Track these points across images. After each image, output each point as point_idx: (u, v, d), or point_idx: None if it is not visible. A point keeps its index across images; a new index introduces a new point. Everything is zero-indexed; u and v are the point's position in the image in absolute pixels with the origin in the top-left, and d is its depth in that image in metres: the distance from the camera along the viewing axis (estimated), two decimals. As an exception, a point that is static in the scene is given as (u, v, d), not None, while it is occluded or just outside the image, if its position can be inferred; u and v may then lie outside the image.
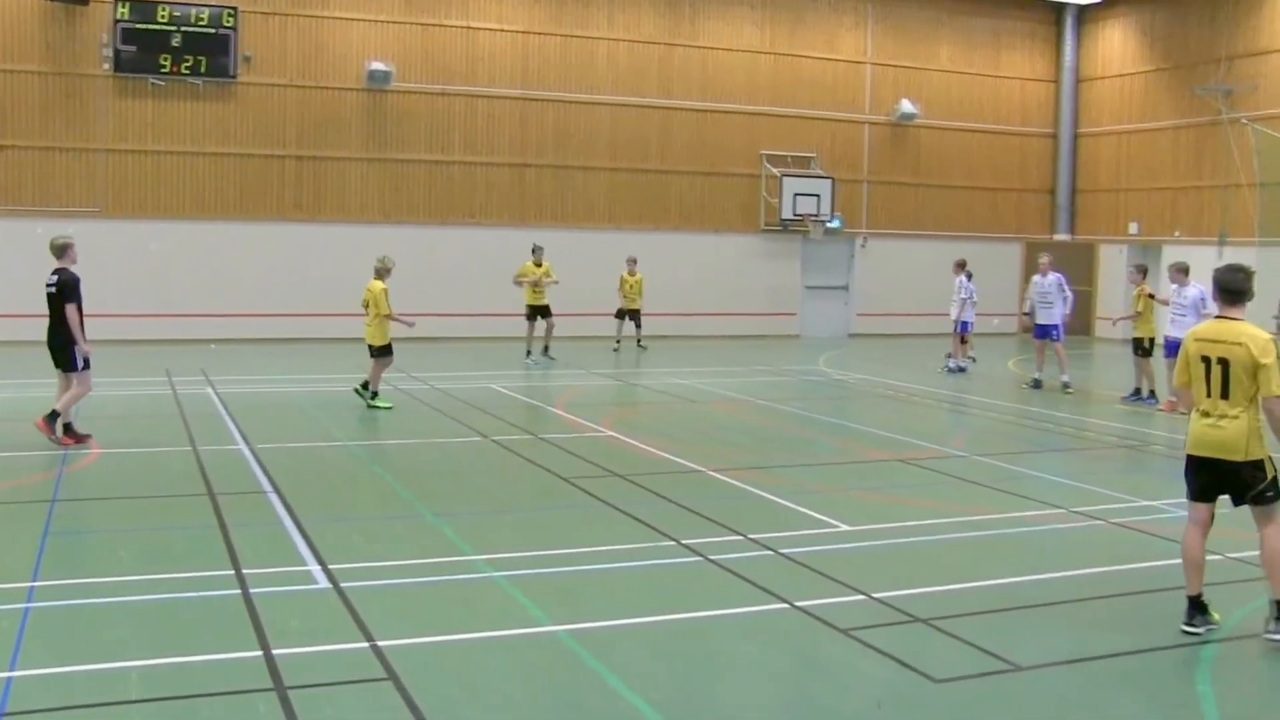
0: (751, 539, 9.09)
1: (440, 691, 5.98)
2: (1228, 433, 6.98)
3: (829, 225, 28.69)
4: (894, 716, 5.89)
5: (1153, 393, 17.59)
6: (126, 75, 23.91)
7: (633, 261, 24.29)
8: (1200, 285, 16.77)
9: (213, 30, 24.26)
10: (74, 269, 12.48)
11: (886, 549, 9.08)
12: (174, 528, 9.41)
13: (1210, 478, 7.16)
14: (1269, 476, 6.98)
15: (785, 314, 29.33)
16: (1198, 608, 7.22)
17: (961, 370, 21.61)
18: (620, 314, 24.32)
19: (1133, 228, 30.26)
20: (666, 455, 12.71)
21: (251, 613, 7.08)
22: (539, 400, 16.89)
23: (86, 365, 12.46)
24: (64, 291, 12.24)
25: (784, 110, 29.13)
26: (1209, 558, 7.50)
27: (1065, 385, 18.72)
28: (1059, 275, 19.51)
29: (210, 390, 16.95)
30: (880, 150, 30.36)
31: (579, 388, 18.88)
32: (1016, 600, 7.78)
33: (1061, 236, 31.90)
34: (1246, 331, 6.97)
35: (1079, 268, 30.78)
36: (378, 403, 15.67)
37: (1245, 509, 7.23)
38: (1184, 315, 16.46)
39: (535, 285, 21.88)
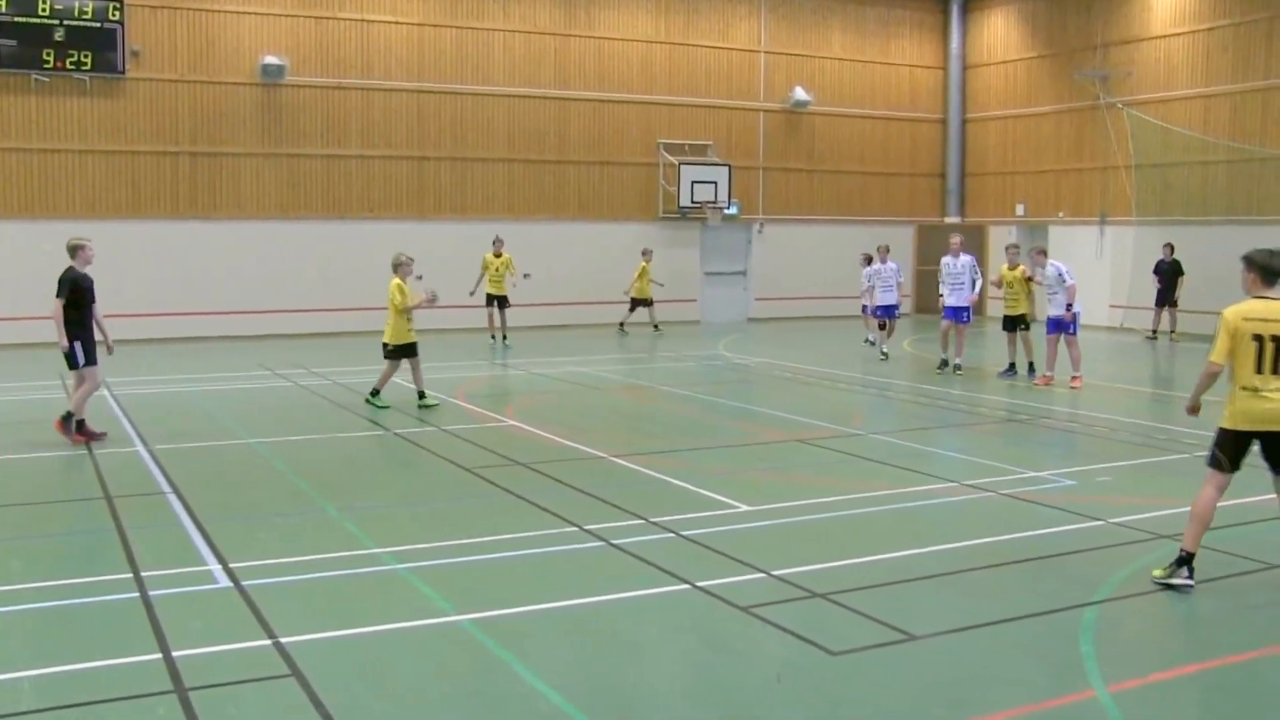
0: (653, 522, 9.22)
1: (345, 686, 5.99)
2: (1279, 404, 7.48)
3: (726, 212, 29.01)
4: (793, 689, 6.04)
5: (1031, 366, 18.17)
6: (8, 71, 23.23)
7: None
8: (1056, 263, 17.55)
9: (98, 24, 23.64)
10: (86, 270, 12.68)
11: (785, 527, 9.27)
12: (69, 533, 9.27)
13: (1248, 446, 7.66)
14: None
15: (685, 300, 29.57)
16: (1187, 563, 7.70)
17: (872, 343, 22.72)
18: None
19: (1019, 209, 31.08)
20: (568, 443, 12.81)
21: (150, 616, 7.00)
22: (441, 392, 16.81)
23: (90, 361, 12.55)
24: (58, 289, 12.44)
25: (680, 99, 29.33)
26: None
27: (956, 367, 19.21)
28: (971, 257, 19.82)
29: (106, 392, 16.61)
30: (775, 137, 30.73)
31: (480, 378, 18.88)
32: (911, 572, 8.02)
33: (952, 219, 32.63)
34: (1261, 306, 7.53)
35: (969, 248, 31.47)
36: (376, 400, 15.24)
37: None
38: (1056, 293, 17.31)
39: (496, 275, 23.69)
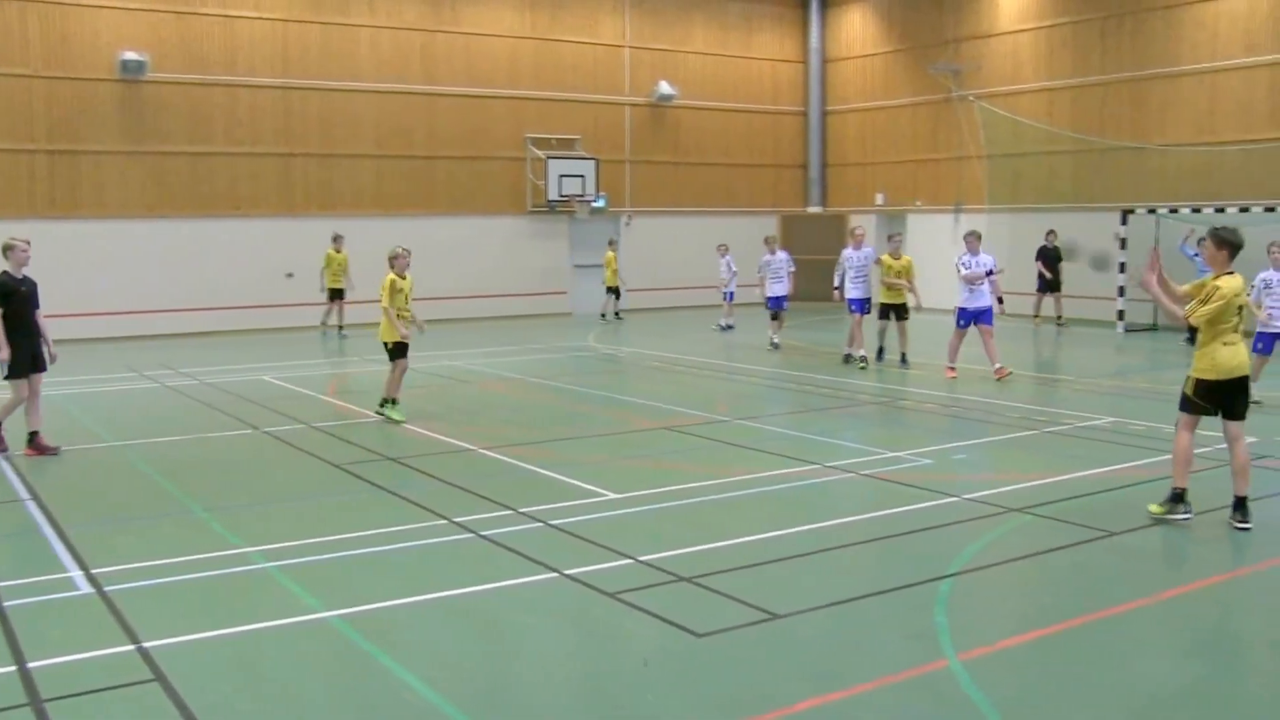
0: (522, 513, 9.32)
1: (212, 688, 5.95)
2: (1244, 353, 8.88)
3: (594, 205, 29.17)
4: (659, 672, 6.19)
5: (904, 356, 18.53)
6: None
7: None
8: (988, 255, 17.69)
9: (-61, 18, 22.77)
10: (21, 272, 12.12)
11: (652, 513, 9.45)
12: (-81, 543, 9.00)
13: (1223, 394, 8.81)
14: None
15: (555, 293, 29.66)
16: (1182, 498, 8.91)
17: (723, 329, 23.35)
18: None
19: (879, 198, 31.89)
20: (438, 436, 12.83)
21: (5, 627, 6.83)
22: (310, 389, 16.67)
23: (13, 373, 11.88)
24: None
25: (547, 94, 29.37)
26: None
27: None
28: (872, 249, 20.63)
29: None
30: (641, 131, 30.99)
31: (350, 374, 18.72)
32: (775, 553, 8.24)
33: (814, 209, 33.34)
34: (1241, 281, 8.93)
35: (832, 238, 32.24)
36: (388, 411, 14.01)
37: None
38: (981, 285, 17.01)
39: (337, 271, 24.39)
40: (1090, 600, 7.34)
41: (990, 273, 17.12)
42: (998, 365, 16.75)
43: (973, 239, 17.35)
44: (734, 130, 32.43)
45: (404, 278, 14.05)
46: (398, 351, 14.06)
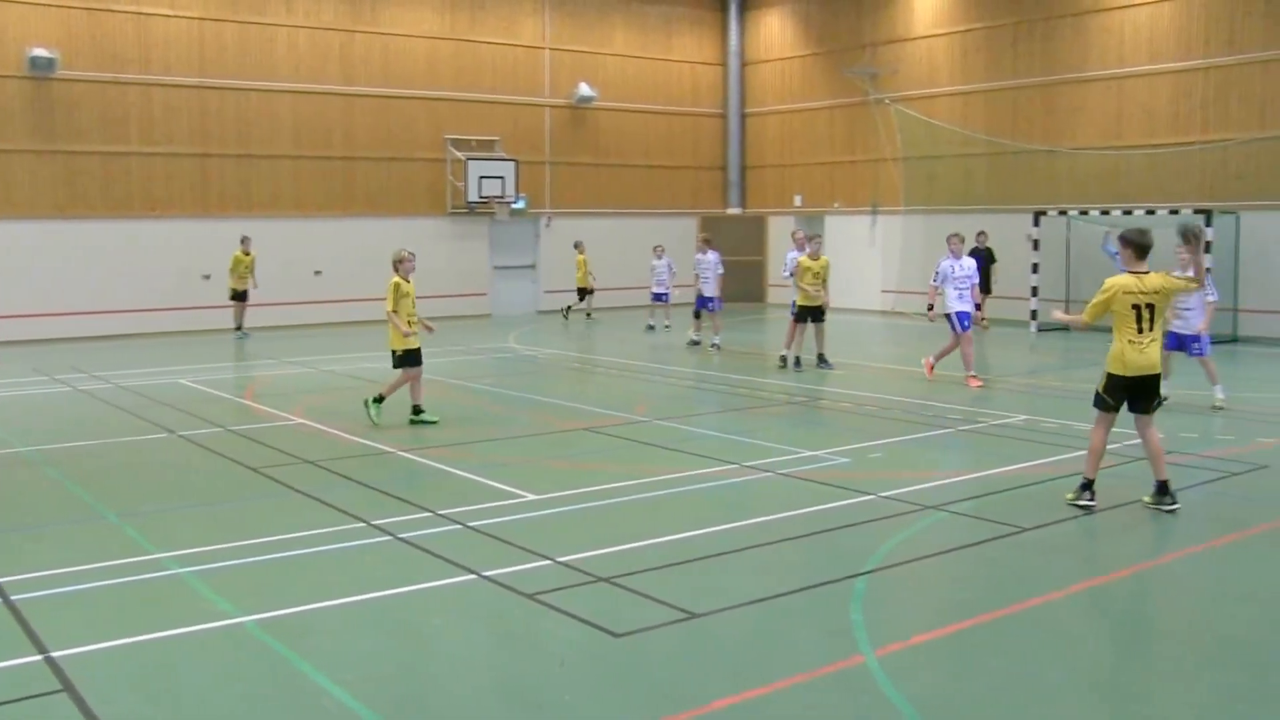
0: (440, 515, 9.28)
1: (122, 697, 5.85)
2: (1155, 354, 9.16)
3: (514, 206, 29.10)
4: (576, 673, 6.21)
5: (822, 357, 18.63)
6: None
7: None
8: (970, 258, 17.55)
9: None
10: None
11: (571, 514, 9.46)
12: None
13: (1131, 392, 9.16)
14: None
15: (476, 294, 29.53)
16: (1089, 487, 9.35)
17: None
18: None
19: (797, 200, 32.21)
20: (357, 439, 12.73)
21: (-94, 638, 6.66)
22: (228, 393, 16.44)
23: None
24: None
25: (466, 95, 29.23)
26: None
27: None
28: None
29: None
30: (561, 132, 30.96)
31: (269, 377, 18.48)
32: (693, 553, 8.29)
33: (734, 210, 33.57)
34: (1161, 282, 9.23)
35: (750, 239, 32.56)
36: (371, 410, 13.57)
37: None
38: (965, 287, 16.67)
39: (244, 273, 24.38)
40: (1003, 595, 7.49)
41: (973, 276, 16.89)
42: (972, 372, 16.56)
43: (955, 240, 17.08)
44: (654, 132, 32.54)
45: (408, 281, 13.47)
46: (406, 359, 13.51)
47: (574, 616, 6.96)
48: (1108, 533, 8.93)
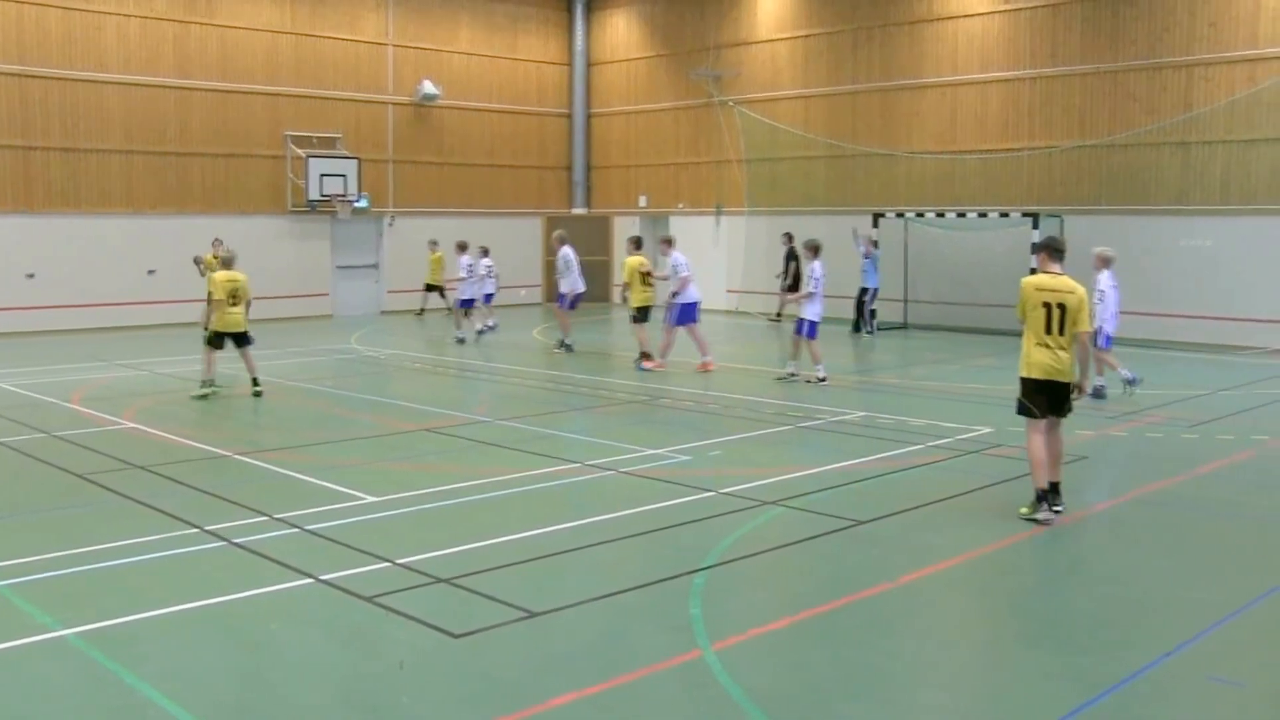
0: (277, 519, 9.09)
1: (-67, 713, 5.61)
2: (1065, 361, 9.08)
3: (356, 205, 28.60)
4: (416, 674, 6.16)
5: (647, 355, 18.64)
6: None
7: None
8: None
9: None
10: None
11: (411, 515, 9.38)
12: None
13: (1046, 395, 9.16)
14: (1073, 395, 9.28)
15: (317, 295, 28.94)
16: (1045, 497, 9.14)
17: (462, 341, 22.99)
18: None
19: (642, 200, 32.44)
20: (191, 443, 12.36)
21: None
22: (54, 396, 15.78)
23: None
24: None
25: (307, 91, 28.61)
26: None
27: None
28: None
29: None
30: (404, 130, 30.57)
31: (98, 380, 17.80)
32: (534, 552, 8.29)
33: (579, 210, 33.62)
34: (1071, 283, 9.16)
35: (596, 240, 32.66)
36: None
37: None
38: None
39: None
40: (838, 587, 7.68)
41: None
42: (821, 367, 16.75)
43: (804, 248, 17.27)
44: (499, 131, 32.37)
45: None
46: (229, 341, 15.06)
47: (413, 618, 6.89)
48: (940, 524, 9.22)
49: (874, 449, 12.06)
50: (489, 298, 24.28)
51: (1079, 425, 13.15)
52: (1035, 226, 21.97)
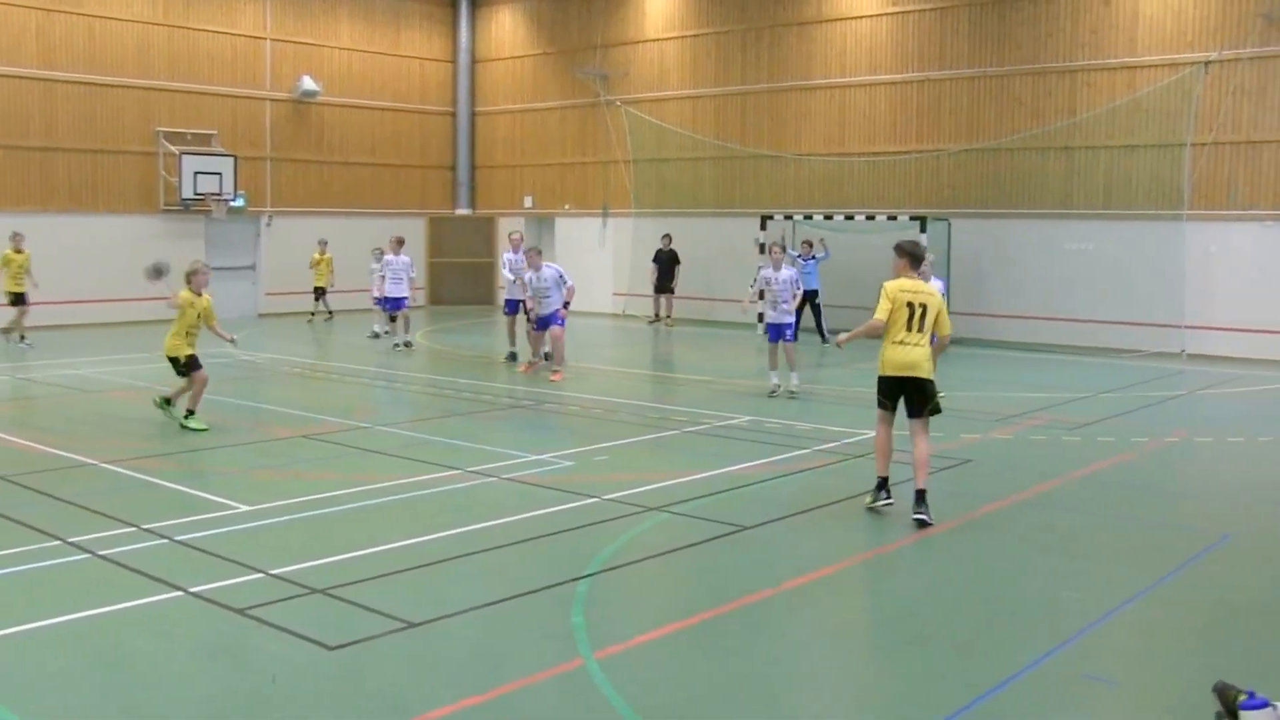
0: (146, 529, 8.75)
1: None
2: (918, 356, 9.35)
3: (232, 204, 27.86)
4: (288, 688, 5.97)
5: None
6: None
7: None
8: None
9: None
10: None
11: (286, 525, 9.11)
12: None
13: (898, 390, 9.46)
14: (935, 394, 9.50)
15: (192, 296, 28.11)
16: (883, 486, 9.59)
17: (378, 335, 22.73)
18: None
19: (527, 201, 32.22)
20: (55, 451, 11.88)
21: None
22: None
23: None
24: None
25: (181, 85, 27.80)
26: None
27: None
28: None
29: None
30: (283, 127, 29.90)
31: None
32: (413, 561, 8.12)
33: (463, 211, 33.26)
34: (929, 287, 9.69)
35: (480, 240, 32.41)
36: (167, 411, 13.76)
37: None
38: (784, 299, 16.09)
39: (17, 272, 22.01)
40: (721, 593, 7.64)
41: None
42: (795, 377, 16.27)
43: (777, 250, 16.56)
44: (381, 129, 31.86)
45: (200, 295, 14.14)
46: (191, 366, 13.72)
47: (287, 630, 6.68)
48: (825, 529, 9.26)
49: (760, 453, 12.08)
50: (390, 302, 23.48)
51: (963, 429, 13.36)
52: (923, 229, 22.23)
